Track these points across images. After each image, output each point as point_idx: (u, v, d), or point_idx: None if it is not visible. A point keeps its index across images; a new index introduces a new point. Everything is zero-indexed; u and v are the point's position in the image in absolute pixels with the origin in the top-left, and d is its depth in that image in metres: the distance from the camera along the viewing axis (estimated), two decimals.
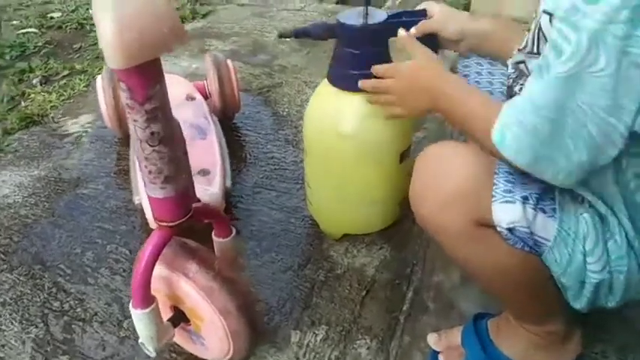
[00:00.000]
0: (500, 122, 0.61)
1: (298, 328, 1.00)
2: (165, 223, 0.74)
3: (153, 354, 0.81)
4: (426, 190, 0.73)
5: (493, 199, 0.66)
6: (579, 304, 0.72)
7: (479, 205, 0.67)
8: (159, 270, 0.79)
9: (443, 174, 0.70)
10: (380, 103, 0.89)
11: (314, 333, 0.99)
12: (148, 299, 0.76)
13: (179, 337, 0.91)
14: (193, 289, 0.78)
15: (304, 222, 1.24)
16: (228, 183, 1.19)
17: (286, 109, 1.66)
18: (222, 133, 1.35)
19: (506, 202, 0.65)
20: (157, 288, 0.80)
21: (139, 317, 0.76)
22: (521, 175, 0.66)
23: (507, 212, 0.65)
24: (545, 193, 0.67)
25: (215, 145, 1.26)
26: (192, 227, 0.77)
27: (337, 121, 1.00)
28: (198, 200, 0.78)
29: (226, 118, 1.53)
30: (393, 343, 0.96)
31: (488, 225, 0.67)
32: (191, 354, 0.95)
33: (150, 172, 0.69)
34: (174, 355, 0.97)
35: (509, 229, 0.66)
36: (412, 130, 1.09)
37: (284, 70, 1.90)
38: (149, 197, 0.73)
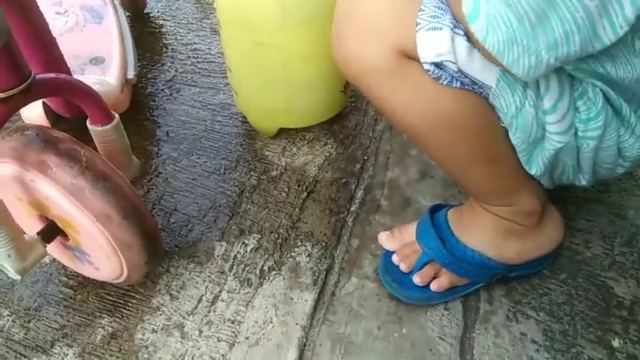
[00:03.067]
0: None
1: (224, 239, 0.82)
2: None
3: (17, 277, 0.61)
4: (345, 23, 0.56)
5: (417, 27, 0.51)
6: (534, 168, 0.58)
7: (404, 33, 0.52)
8: (9, 168, 0.57)
9: (355, 2, 0.54)
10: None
11: (243, 243, 0.81)
12: None
13: (63, 257, 0.71)
14: (55, 190, 0.57)
15: (233, 120, 1.03)
16: (131, 74, 0.96)
17: None
18: (125, 19, 1.09)
19: (432, 29, 0.50)
20: (11, 192, 0.58)
21: None
22: None
23: (432, 42, 0.50)
24: None
25: (114, 30, 1.00)
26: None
27: None
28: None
29: (137, 9, 1.26)
30: (339, 247, 0.79)
31: (413, 58, 0.53)
32: (86, 277, 0.75)
33: None
34: (64, 279, 0.77)
35: (437, 65, 0.51)
36: None
37: None
38: None
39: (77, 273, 0.76)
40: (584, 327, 0.68)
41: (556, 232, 0.70)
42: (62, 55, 0.77)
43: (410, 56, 0.53)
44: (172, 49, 1.20)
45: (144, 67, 1.14)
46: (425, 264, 0.70)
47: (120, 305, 0.74)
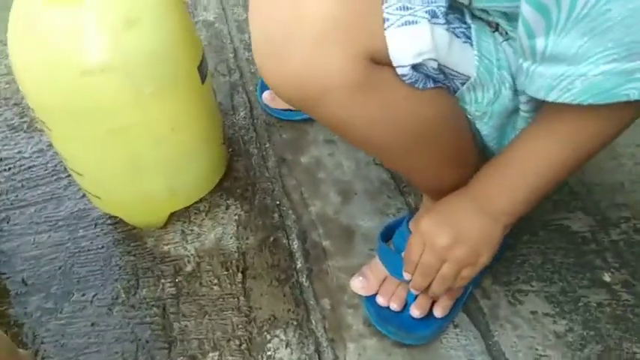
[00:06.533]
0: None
1: None
2: None
3: None
4: (285, 36, 0.42)
5: (386, 24, 0.42)
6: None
7: (369, 33, 0.42)
8: None
9: (299, 6, 0.41)
10: (447, 286, 0.56)
11: None
12: None
13: None
14: None
15: (101, 227, 0.81)
16: None
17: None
18: None
19: (406, 23, 0.42)
20: None
21: None
22: None
23: (409, 40, 0.42)
24: (450, 10, 0.45)
25: None
26: None
27: (74, 51, 0.58)
28: None
29: None
30: (313, 317, 0.67)
31: (383, 63, 0.43)
32: None
33: None
34: None
35: (414, 67, 0.43)
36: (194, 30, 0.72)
37: None
38: None
39: None
40: (573, 276, 0.68)
41: None
42: None
43: (378, 61, 0.43)
44: None
45: None
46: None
47: None
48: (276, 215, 0.80)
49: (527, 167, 0.48)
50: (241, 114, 0.97)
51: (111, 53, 0.58)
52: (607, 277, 0.67)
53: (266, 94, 0.95)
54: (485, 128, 0.52)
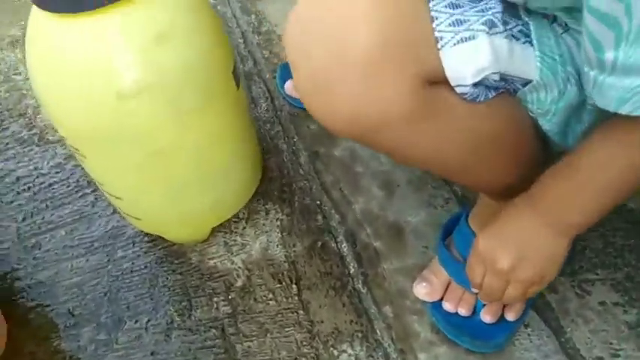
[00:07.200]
0: None
1: None
2: None
3: None
4: (328, 67, 0.39)
5: (440, 43, 0.39)
6: (571, 140, 0.51)
7: (423, 55, 0.39)
8: None
9: (343, 29, 0.37)
10: (517, 300, 0.55)
11: None
12: None
13: None
14: None
15: (140, 245, 0.78)
16: None
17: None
18: None
19: (462, 40, 0.39)
20: None
21: None
22: None
23: (468, 58, 0.39)
24: (506, 10, 0.42)
25: None
26: None
27: (107, 74, 0.52)
28: None
29: None
30: (377, 327, 0.66)
31: (439, 82, 0.41)
32: None
33: None
34: None
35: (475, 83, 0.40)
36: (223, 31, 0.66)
37: None
38: None
39: None
40: (636, 259, 0.67)
41: None
42: None
43: (435, 81, 0.40)
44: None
45: None
46: None
47: None
48: (319, 217, 0.77)
49: (597, 175, 0.45)
50: (263, 106, 0.92)
51: (146, 73, 0.53)
52: None
53: (288, 84, 0.89)
54: (549, 125, 0.49)
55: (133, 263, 0.76)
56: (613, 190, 0.46)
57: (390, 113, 0.39)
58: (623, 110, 0.38)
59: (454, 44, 0.39)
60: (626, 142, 0.43)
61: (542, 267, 0.51)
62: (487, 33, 0.39)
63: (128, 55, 0.51)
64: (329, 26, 0.38)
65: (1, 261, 0.78)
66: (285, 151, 0.85)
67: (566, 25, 0.45)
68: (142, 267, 0.76)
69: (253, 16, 1.07)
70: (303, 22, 0.40)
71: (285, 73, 0.92)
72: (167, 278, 0.74)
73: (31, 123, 0.95)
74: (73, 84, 0.52)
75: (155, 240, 0.78)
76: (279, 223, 0.77)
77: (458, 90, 0.41)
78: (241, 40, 1.03)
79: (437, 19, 0.39)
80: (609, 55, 0.36)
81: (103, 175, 0.65)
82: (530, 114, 0.48)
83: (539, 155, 0.53)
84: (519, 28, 0.43)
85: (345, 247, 0.74)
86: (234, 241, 0.76)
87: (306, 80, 0.41)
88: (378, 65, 0.37)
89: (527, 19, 0.44)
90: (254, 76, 0.97)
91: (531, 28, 0.43)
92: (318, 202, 0.79)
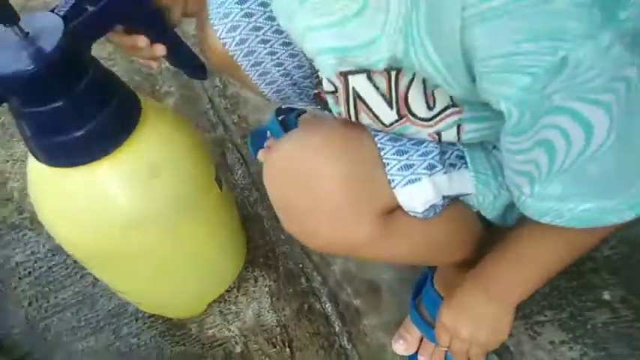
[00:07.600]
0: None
1: None
2: None
3: None
4: (308, 214, 0.50)
5: (393, 184, 0.49)
6: (510, 220, 0.60)
7: (380, 196, 0.50)
8: None
9: (313, 184, 0.49)
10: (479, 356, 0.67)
11: None
12: None
13: None
14: None
15: (142, 321, 0.86)
16: None
17: None
18: None
19: (410, 182, 0.49)
20: None
21: None
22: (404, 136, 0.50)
23: (415, 194, 0.50)
24: (444, 145, 0.52)
25: None
26: None
27: (108, 209, 0.59)
28: None
29: None
30: None
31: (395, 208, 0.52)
32: None
33: None
34: None
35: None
36: (200, 141, 0.73)
37: None
38: None
39: None
40: (577, 298, 0.78)
41: None
42: None
43: (392, 209, 0.51)
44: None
45: None
46: None
47: None
48: (303, 280, 0.86)
49: (538, 263, 0.55)
50: (239, 173, 0.99)
51: (145, 206, 0.60)
52: (606, 296, 0.77)
53: (261, 152, 0.96)
54: (490, 215, 0.59)
55: (138, 338, 0.84)
56: (552, 267, 0.55)
57: (358, 243, 0.51)
58: (543, 220, 0.45)
59: (404, 185, 0.49)
60: (560, 237, 0.51)
61: (496, 330, 0.62)
62: (429, 175, 0.49)
63: (129, 190, 0.59)
64: (301, 183, 0.48)
65: (16, 345, 0.85)
66: (266, 217, 0.93)
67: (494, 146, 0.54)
68: (148, 341, 0.84)
69: (217, 79, 1.12)
70: (279, 173, 0.50)
71: (257, 140, 0.98)
72: (172, 350, 0.82)
73: (21, 207, 1.00)
74: (80, 218, 0.59)
75: (156, 315, 0.85)
76: (267, 289, 0.86)
77: (412, 214, 0.52)
78: (209, 106, 1.09)
79: (388, 164, 0.49)
80: (527, 190, 0.44)
81: (107, 279, 0.72)
82: (473, 209, 0.58)
83: (484, 233, 0.63)
84: (456, 153, 0.53)
85: (329, 307, 0.83)
86: (229, 309, 0.85)
87: (287, 222, 0.52)
88: (344, 210, 0.49)
89: (461, 146, 0.53)
90: (227, 143, 1.03)
91: (465, 153, 0.53)
92: (301, 266, 0.88)
